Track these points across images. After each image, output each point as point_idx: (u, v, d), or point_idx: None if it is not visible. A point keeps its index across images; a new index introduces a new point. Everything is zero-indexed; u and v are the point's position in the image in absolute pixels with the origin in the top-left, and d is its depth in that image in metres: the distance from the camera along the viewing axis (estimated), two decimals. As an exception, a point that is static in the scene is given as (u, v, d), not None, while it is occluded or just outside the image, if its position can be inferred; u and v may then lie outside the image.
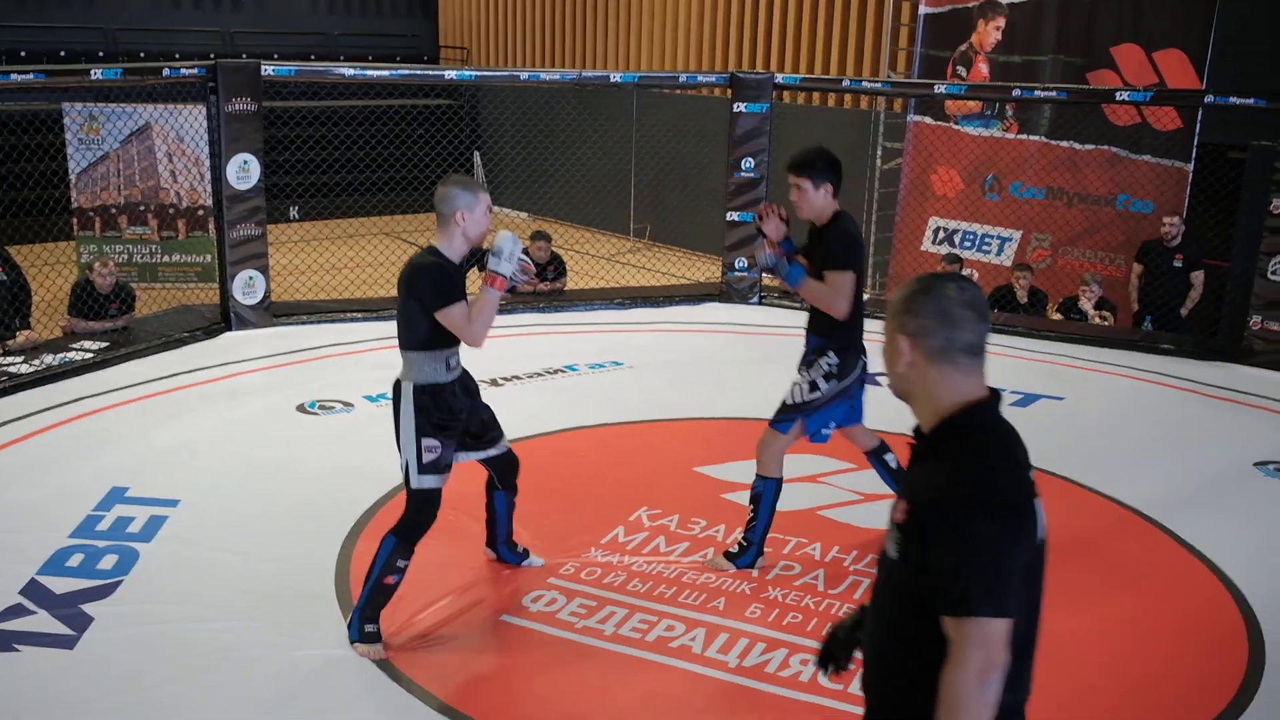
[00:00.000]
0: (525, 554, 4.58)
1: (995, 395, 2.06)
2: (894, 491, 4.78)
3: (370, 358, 7.47)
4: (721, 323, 8.83)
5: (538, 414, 6.34)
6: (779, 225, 4.39)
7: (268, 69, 7.83)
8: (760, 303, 9.34)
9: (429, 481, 3.90)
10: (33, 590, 4.26)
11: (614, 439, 6.11)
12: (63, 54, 13.24)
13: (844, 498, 5.36)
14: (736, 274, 9.32)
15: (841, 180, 4.34)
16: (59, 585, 4.32)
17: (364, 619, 3.91)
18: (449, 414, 3.92)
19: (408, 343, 3.89)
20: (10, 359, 6.97)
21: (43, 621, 4.06)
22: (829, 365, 4.40)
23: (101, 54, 13.46)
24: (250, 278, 8.03)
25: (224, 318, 8.03)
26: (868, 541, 4.88)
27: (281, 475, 5.46)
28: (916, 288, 2.07)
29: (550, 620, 4.16)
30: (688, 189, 11.82)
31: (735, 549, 4.59)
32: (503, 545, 4.54)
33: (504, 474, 4.36)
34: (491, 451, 4.26)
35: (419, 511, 3.91)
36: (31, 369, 6.85)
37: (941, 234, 10.52)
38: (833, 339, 4.41)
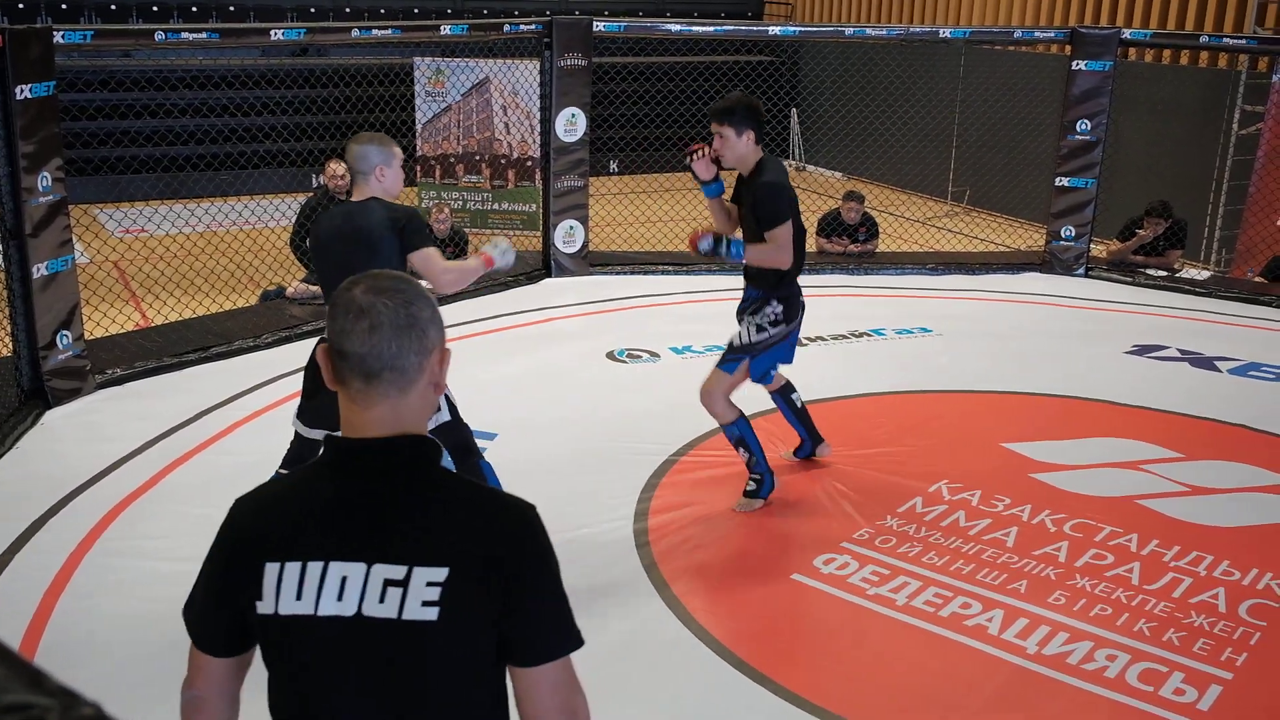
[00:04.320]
0: None
1: (350, 450, 1.59)
2: (795, 430, 5.05)
3: (679, 310, 7.64)
4: (1042, 294, 8.36)
5: (840, 377, 6.27)
6: (708, 166, 4.48)
7: (599, 25, 8.09)
8: (1086, 274, 8.77)
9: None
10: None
11: (917, 407, 5.95)
12: (416, 11, 14.24)
13: (1167, 488, 4.98)
14: (1062, 243, 8.79)
15: (763, 128, 4.43)
16: (390, 502, 4.72)
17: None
18: None
19: None
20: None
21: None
22: (774, 313, 4.52)
23: (449, 11, 14.37)
24: (571, 227, 8.39)
25: (545, 264, 8.44)
26: (1192, 538, 4.51)
27: (590, 419, 5.69)
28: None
29: (841, 584, 4.13)
30: (1013, 152, 11.23)
31: (751, 486, 4.67)
32: None
33: None
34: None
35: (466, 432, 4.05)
36: (376, 303, 7.49)
37: (1304, 208, 9.43)
38: (776, 290, 4.50)
